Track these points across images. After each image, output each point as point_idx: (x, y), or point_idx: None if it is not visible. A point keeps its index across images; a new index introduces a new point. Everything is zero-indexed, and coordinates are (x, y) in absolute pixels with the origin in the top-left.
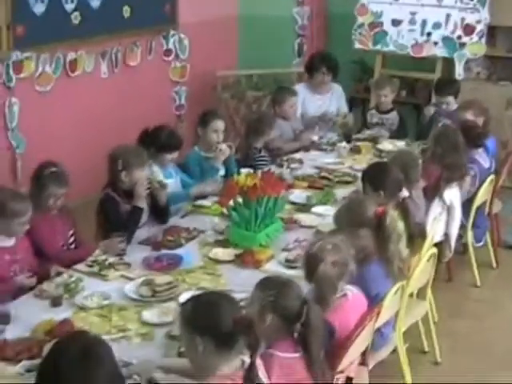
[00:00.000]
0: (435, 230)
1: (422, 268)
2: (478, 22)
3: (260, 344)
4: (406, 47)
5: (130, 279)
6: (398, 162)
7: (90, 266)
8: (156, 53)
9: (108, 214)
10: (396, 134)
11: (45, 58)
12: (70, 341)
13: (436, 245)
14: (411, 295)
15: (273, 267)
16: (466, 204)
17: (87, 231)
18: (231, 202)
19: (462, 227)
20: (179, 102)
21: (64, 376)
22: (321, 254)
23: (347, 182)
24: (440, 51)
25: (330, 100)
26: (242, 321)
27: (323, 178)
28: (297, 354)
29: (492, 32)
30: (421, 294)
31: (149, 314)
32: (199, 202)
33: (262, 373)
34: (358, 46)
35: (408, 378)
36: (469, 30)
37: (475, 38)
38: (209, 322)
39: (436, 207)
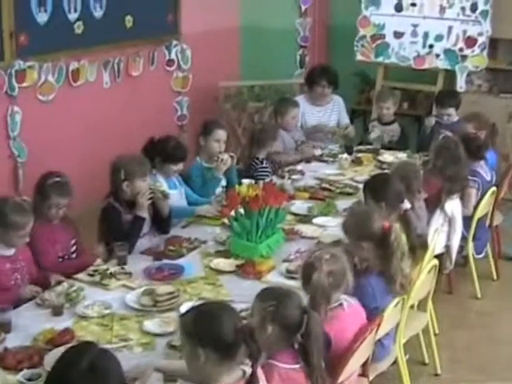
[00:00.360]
0: (436, 241)
1: (423, 280)
2: (480, 34)
3: (261, 354)
4: (407, 59)
5: (132, 289)
6: (399, 173)
7: (92, 276)
8: (158, 63)
9: (110, 224)
10: (397, 146)
11: (47, 67)
12: (78, 353)
13: (437, 256)
14: (412, 307)
15: (274, 278)
16: (467, 216)
17: (89, 240)
18: (233, 213)
19: (463, 239)
20: (181, 112)
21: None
22: (317, 263)
23: (348, 194)
24: (442, 63)
25: (331, 112)
26: (244, 330)
27: (324, 189)
28: (297, 365)
29: (494, 45)
30: (421, 305)
31: (150, 324)
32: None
33: (263, 383)
34: (359, 57)
35: None
36: (471, 42)
37: (477, 50)
38: (210, 333)
39: (437, 219)
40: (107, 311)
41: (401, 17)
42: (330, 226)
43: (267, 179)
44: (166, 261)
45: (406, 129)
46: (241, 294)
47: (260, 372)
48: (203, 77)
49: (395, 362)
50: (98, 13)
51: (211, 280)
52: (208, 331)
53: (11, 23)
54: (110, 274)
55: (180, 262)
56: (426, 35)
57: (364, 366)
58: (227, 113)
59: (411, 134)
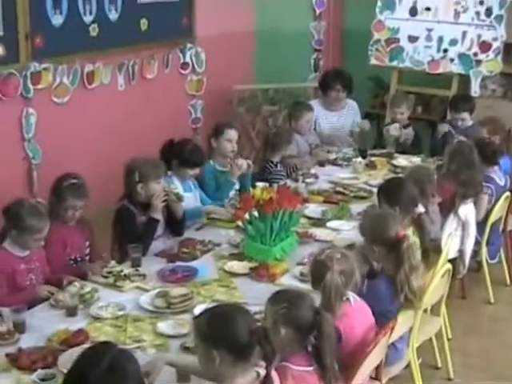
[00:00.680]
0: (450, 245)
1: (437, 284)
2: (495, 39)
3: (276, 355)
4: (422, 63)
5: (145, 290)
6: (413, 177)
7: (106, 277)
8: (173, 66)
9: (124, 226)
10: (411, 150)
11: (62, 69)
12: (98, 352)
13: (450, 261)
14: (425, 311)
15: (288, 281)
16: (481, 221)
17: (103, 242)
18: (247, 216)
19: (477, 244)
20: (195, 115)
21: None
22: (329, 263)
23: (362, 198)
24: (456, 68)
25: (345, 117)
26: (258, 332)
27: (338, 192)
28: (311, 368)
29: (508, 49)
30: (435, 310)
31: (164, 326)
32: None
33: None
34: (374, 61)
35: None
36: (485, 47)
37: (491, 55)
38: (225, 335)
39: (451, 223)
40: (121, 312)
41: (415, 21)
42: (343, 230)
43: (281, 182)
44: (179, 263)
45: (419, 133)
46: (254, 296)
47: (274, 374)
48: (217, 80)
49: (408, 366)
50: (113, 15)
51: (225, 282)
52: (222, 333)
53: (27, 25)
54: (124, 275)
55: (194, 264)
56: (440, 39)
57: (377, 369)
58: (241, 116)
59: (425, 138)
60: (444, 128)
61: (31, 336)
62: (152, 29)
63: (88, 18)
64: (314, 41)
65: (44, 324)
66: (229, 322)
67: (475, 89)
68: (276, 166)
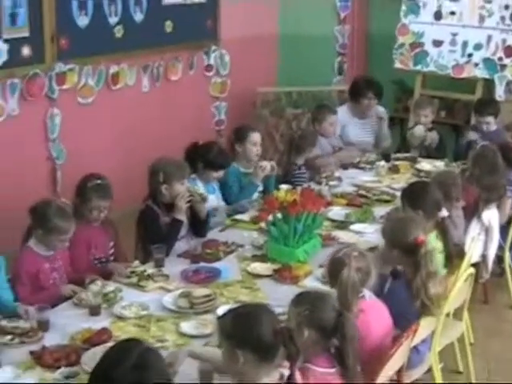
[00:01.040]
0: (473, 250)
1: (460, 288)
2: None
3: (300, 355)
4: (446, 68)
5: (169, 291)
6: (438, 181)
7: (129, 277)
8: (197, 68)
9: (148, 226)
10: (435, 154)
11: (87, 70)
12: (126, 349)
13: (473, 265)
14: (448, 315)
15: (310, 283)
16: (505, 225)
17: (126, 243)
18: (270, 217)
19: (500, 248)
20: (219, 117)
21: (117, 382)
22: (346, 260)
23: (385, 201)
24: (480, 72)
25: (373, 125)
26: (283, 332)
27: (361, 196)
28: (333, 369)
29: None
30: (457, 314)
31: (186, 326)
32: (237, 217)
33: None
34: (398, 65)
35: None
36: (510, 51)
37: None
38: (249, 335)
39: (474, 228)
40: (144, 312)
41: (440, 25)
42: (366, 233)
43: (305, 185)
44: (203, 264)
45: (444, 137)
46: (277, 298)
47: (298, 374)
48: (241, 82)
49: (429, 370)
50: (139, 17)
51: (248, 284)
52: (247, 333)
53: (52, 26)
54: (148, 275)
55: (217, 265)
56: (465, 44)
57: (399, 372)
58: (265, 119)
59: (448, 142)
60: (473, 136)
61: (55, 334)
62: (177, 31)
63: (113, 20)
64: (338, 44)
65: (67, 322)
66: (253, 322)
67: (500, 93)
68: (300, 168)
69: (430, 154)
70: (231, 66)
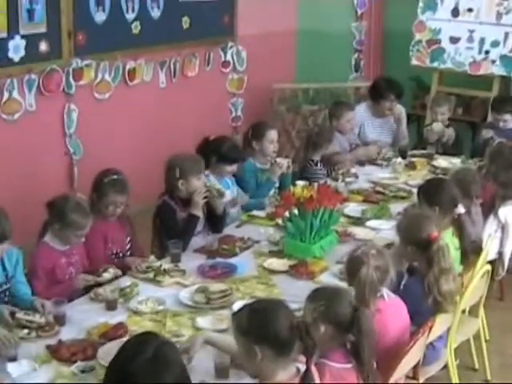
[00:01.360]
0: (490, 247)
1: (476, 285)
2: None
3: (316, 348)
4: (463, 65)
5: (185, 286)
6: (458, 178)
7: (145, 272)
8: (214, 64)
9: (164, 221)
10: (452, 151)
11: (104, 65)
12: (143, 342)
13: (490, 262)
14: (463, 312)
15: (327, 279)
16: None
17: (144, 238)
18: (287, 213)
19: None
20: (235, 113)
21: (134, 377)
22: (365, 258)
23: (402, 198)
24: (498, 69)
25: (391, 124)
26: (299, 326)
27: (378, 192)
28: (349, 365)
29: None
30: (473, 311)
31: (203, 321)
32: (254, 213)
33: (317, 380)
34: (415, 62)
35: None
36: None
37: None
38: (267, 331)
39: (491, 224)
40: (160, 307)
41: (457, 22)
42: (383, 229)
43: (322, 181)
44: (219, 259)
45: (460, 134)
46: (293, 294)
47: (314, 369)
48: (258, 79)
49: (445, 367)
50: (155, 13)
51: (264, 279)
52: (264, 328)
53: (70, 22)
54: (164, 270)
55: (233, 260)
56: (482, 41)
57: (414, 368)
58: (281, 115)
59: (465, 139)
60: (488, 134)
61: (71, 328)
62: (194, 27)
63: (130, 16)
64: (355, 41)
65: (84, 317)
66: (270, 317)
67: None
68: (316, 164)
69: (447, 150)
70: (248, 62)
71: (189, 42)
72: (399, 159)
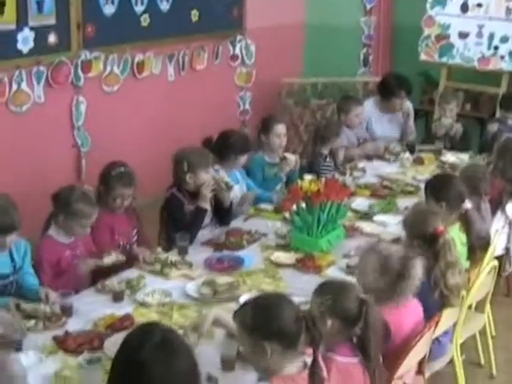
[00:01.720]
0: (497, 243)
1: (483, 280)
2: None
3: (322, 338)
4: (472, 60)
5: (192, 278)
6: (467, 175)
7: (152, 264)
8: (222, 58)
9: (172, 214)
10: (459, 146)
11: (113, 58)
12: (149, 329)
13: (497, 258)
14: (470, 308)
15: (333, 273)
16: None
17: (151, 231)
18: (294, 207)
19: None
20: (244, 107)
21: (144, 365)
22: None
23: (409, 192)
24: (506, 65)
25: (399, 120)
26: (305, 318)
27: (385, 187)
28: (355, 359)
29: None
30: (479, 306)
31: None
32: (261, 206)
33: (324, 371)
34: (423, 57)
35: None
36: None
37: None
38: (273, 327)
39: (498, 220)
40: (167, 299)
41: (466, 17)
42: (390, 224)
43: (330, 175)
44: (226, 252)
45: (468, 129)
46: (300, 287)
47: (321, 360)
48: (267, 72)
49: (451, 362)
50: (165, 6)
51: (271, 273)
52: (270, 324)
53: (79, 14)
54: (171, 263)
55: (240, 253)
56: (491, 36)
57: (420, 363)
58: (289, 109)
59: (473, 135)
60: (494, 127)
61: (78, 320)
62: (203, 20)
63: (139, 8)
64: (364, 36)
65: (91, 308)
66: (275, 313)
67: None
68: (325, 158)
69: (455, 145)
70: (257, 55)
71: (198, 35)
72: (407, 154)
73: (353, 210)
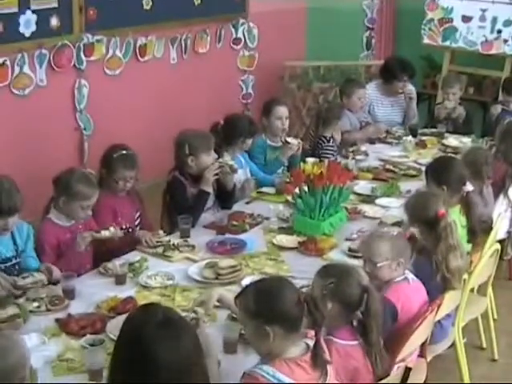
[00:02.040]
0: (499, 226)
1: (485, 264)
2: None
3: (324, 319)
4: (475, 44)
5: (194, 261)
6: (470, 159)
7: (155, 247)
8: (225, 41)
9: (175, 197)
10: (462, 129)
11: (115, 41)
12: (152, 308)
13: (499, 242)
14: (472, 291)
15: (336, 256)
16: None
17: (153, 213)
18: (297, 190)
19: None
20: (246, 90)
21: (149, 345)
22: None
23: (412, 176)
24: (510, 49)
25: (401, 103)
26: (307, 300)
27: (388, 170)
28: (355, 342)
29: None
30: (481, 290)
31: None
32: (264, 189)
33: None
34: (426, 41)
35: (465, 373)
36: None
37: None
38: (276, 311)
39: (501, 204)
40: (169, 282)
41: (469, 1)
42: (392, 207)
43: (332, 158)
44: (228, 235)
45: (470, 113)
46: (302, 270)
47: (323, 342)
48: (269, 56)
49: (452, 345)
50: None
51: (273, 255)
52: (273, 309)
53: None
54: (173, 246)
55: (242, 236)
56: (494, 20)
57: (422, 346)
58: (292, 92)
59: (476, 119)
60: (497, 109)
61: (80, 302)
62: (205, 3)
63: None
64: (367, 19)
65: (93, 291)
66: (277, 297)
67: None
68: (328, 141)
69: (457, 128)
70: (259, 39)
71: (200, 18)
72: (409, 137)
73: (355, 193)
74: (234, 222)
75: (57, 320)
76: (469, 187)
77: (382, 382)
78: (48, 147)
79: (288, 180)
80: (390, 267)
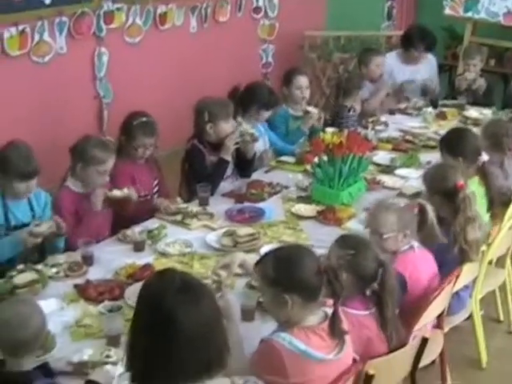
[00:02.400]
0: None
1: (503, 236)
2: None
3: (343, 290)
4: (497, 15)
5: (213, 229)
6: (490, 131)
7: (174, 214)
8: (245, 10)
9: (194, 165)
10: (482, 101)
11: (135, 9)
12: (170, 274)
13: None
14: (490, 263)
15: (354, 226)
16: None
17: (171, 182)
18: (316, 159)
19: None
20: (266, 60)
21: (171, 311)
22: None
23: (432, 147)
24: None
25: (421, 71)
26: (327, 270)
27: (408, 141)
28: (367, 312)
29: None
30: (500, 262)
31: None
32: (283, 158)
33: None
34: (448, 12)
35: (481, 345)
36: None
37: None
38: (295, 279)
39: None
40: (188, 249)
41: None
42: (411, 178)
43: (352, 128)
44: (247, 204)
45: (491, 85)
46: (320, 239)
47: (341, 311)
48: (289, 25)
49: (470, 317)
50: None
51: (291, 224)
52: (292, 277)
53: None
54: (192, 213)
55: (261, 205)
56: None
57: (439, 317)
58: (312, 62)
59: (497, 91)
60: None
61: (99, 269)
62: None
63: None
64: None
65: (112, 258)
66: (297, 265)
67: None
68: (349, 111)
69: (478, 100)
70: (280, 8)
71: None
72: (430, 109)
73: (374, 164)
74: (253, 191)
75: (75, 286)
76: (484, 157)
77: (398, 351)
78: (67, 115)
79: (308, 149)
80: (396, 239)
